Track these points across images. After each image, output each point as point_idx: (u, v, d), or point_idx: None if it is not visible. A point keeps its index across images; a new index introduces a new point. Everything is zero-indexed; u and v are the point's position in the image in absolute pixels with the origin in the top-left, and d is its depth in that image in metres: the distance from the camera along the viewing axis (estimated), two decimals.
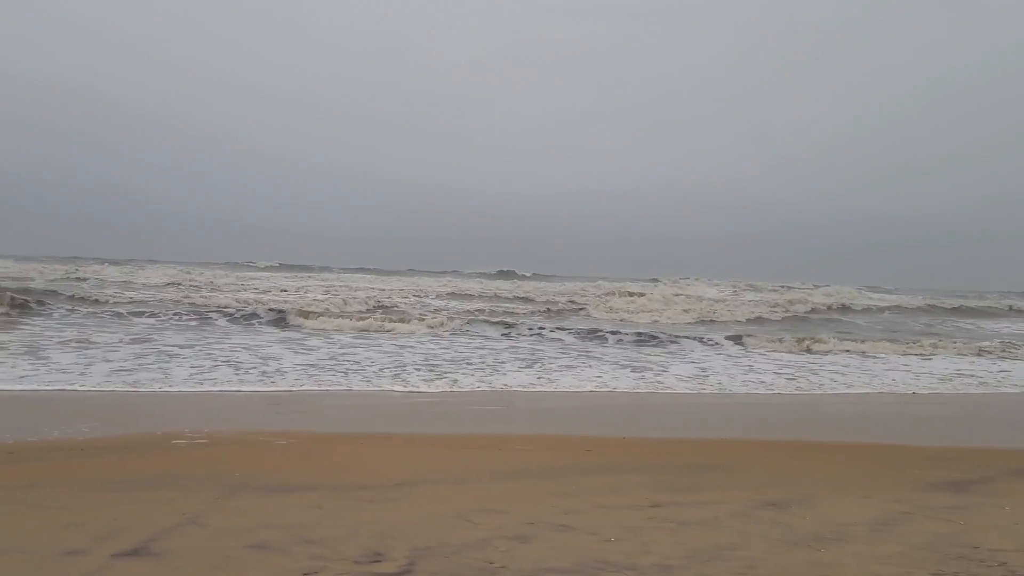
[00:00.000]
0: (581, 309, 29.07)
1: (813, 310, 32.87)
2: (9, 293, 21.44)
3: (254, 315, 21.22)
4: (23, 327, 17.10)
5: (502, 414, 10.74)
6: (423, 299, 31.09)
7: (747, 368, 15.65)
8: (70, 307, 21.40)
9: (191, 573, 3.92)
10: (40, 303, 21.32)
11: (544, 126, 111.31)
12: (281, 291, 30.80)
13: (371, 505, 5.40)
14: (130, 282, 31.76)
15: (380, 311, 24.68)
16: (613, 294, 34.66)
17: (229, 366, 12.92)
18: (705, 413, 11.46)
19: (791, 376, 14.71)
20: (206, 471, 6.34)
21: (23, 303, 20.93)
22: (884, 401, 12.84)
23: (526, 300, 32.37)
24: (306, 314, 21.23)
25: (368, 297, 28.61)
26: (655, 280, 46.87)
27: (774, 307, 31.98)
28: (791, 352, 18.69)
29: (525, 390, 12.29)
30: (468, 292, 35.49)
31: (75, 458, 6.90)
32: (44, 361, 12.51)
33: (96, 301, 23.37)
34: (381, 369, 13.49)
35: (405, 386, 12.04)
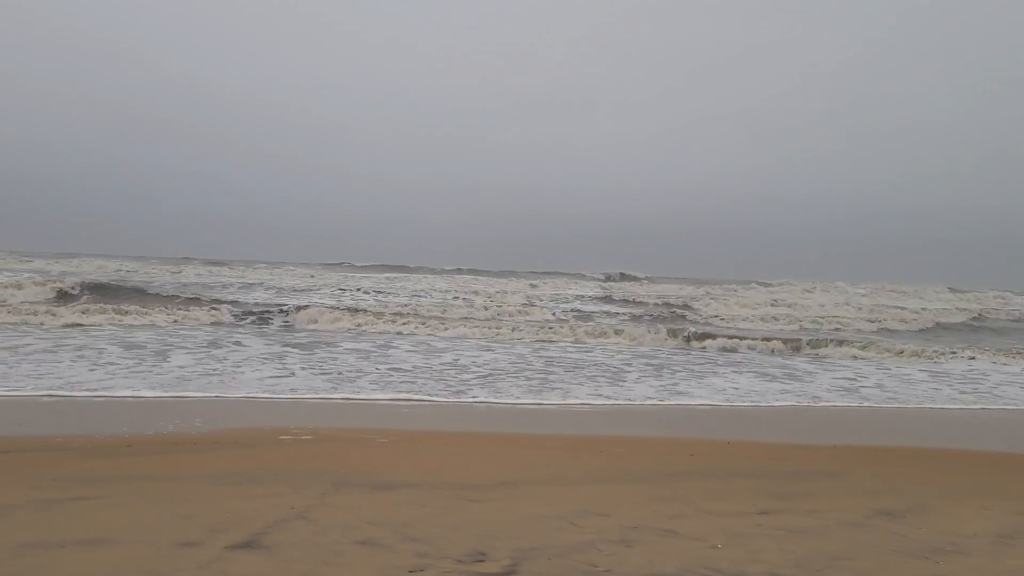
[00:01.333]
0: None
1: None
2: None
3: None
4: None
5: (603, 416, 10.64)
6: (569, 304, 30.47)
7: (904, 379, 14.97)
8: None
9: (300, 567, 3.98)
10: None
11: (647, 128, 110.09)
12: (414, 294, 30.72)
13: (473, 504, 5.41)
14: (283, 287, 31.98)
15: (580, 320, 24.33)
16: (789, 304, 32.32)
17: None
18: (817, 419, 11.12)
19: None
20: (312, 467, 6.46)
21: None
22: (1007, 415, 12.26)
23: (686, 307, 30.62)
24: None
25: (523, 303, 28.11)
26: (786, 282, 45.00)
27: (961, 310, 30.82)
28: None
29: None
30: (610, 296, 34.56)
31: (189, 452, 7.14)
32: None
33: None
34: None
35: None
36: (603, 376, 13.69)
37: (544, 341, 19.22)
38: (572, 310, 27.89)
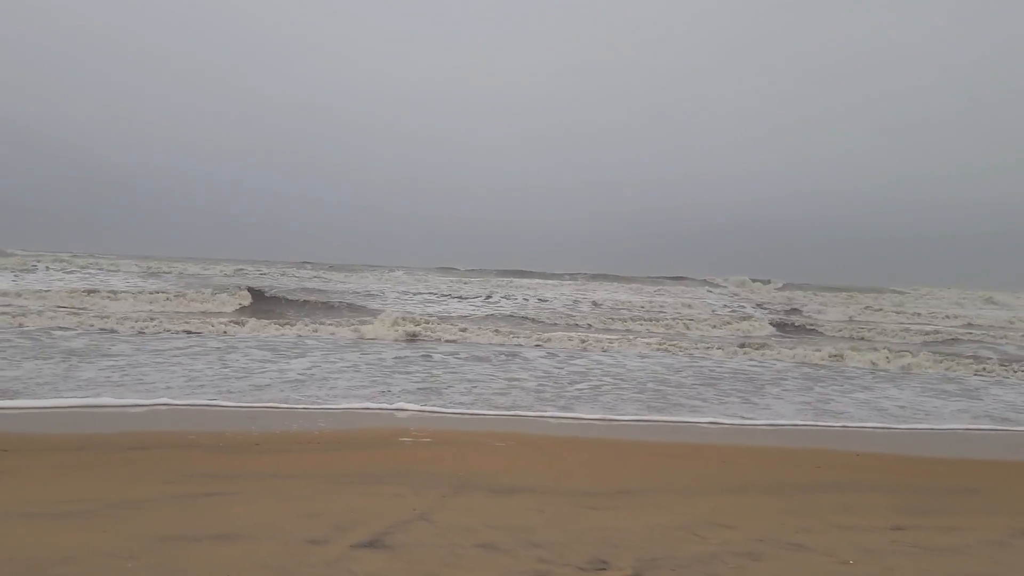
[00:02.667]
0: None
1: None
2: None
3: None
4: None
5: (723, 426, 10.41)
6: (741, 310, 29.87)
7: None
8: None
9: (423, 568, 4.01)
10: None
11: (761, 126, 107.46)
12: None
13: (594, 512, 5.34)
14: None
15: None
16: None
17: None
18: (957, 433, 10.56)
19: None
20: (432, 469, 6.52)
21: None
22: None
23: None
24: None
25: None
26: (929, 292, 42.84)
27: None
28: None
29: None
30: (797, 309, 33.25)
31: (313, 451, 7.31)
32: None
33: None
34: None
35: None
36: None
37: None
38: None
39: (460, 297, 30.82)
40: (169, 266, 37.62)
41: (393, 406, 9.88)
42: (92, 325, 16.96)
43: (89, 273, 31.91)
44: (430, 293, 31.61)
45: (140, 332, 16.54)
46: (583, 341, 18.23)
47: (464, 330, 19.20)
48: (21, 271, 31.13)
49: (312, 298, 26.69)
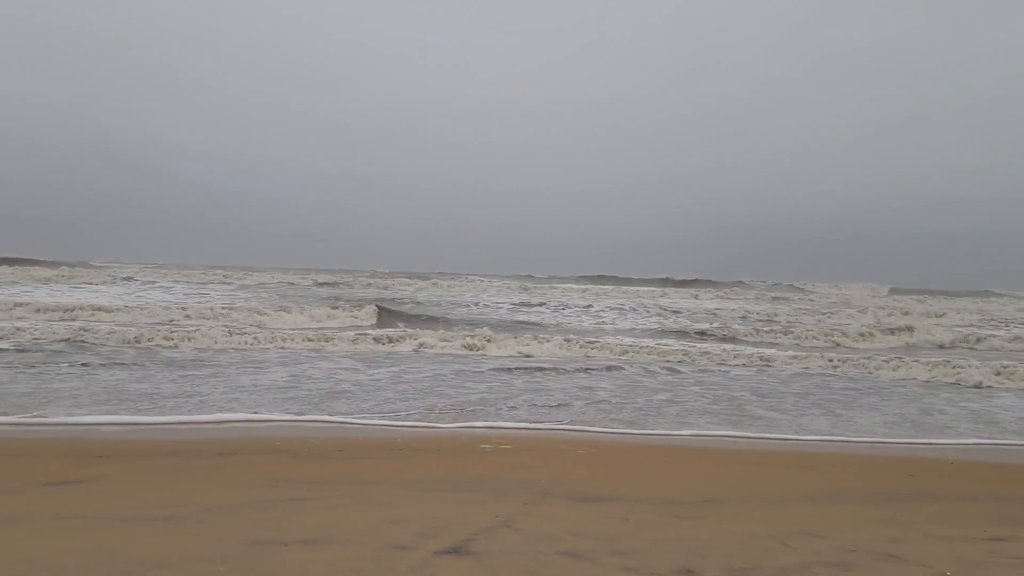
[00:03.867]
0: None
1: None
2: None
3: None
4: None
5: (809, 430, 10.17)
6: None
7: None
8: None
9: (507, 575, 4.00)
10: None
11: (853, 134, 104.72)
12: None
13: (679, 520, 5.26)
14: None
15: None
16: None
17: None
18: None
19: None
20: (513, 476, 6.51)
21: None
22: None
23: None
24: None
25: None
26: None
27: None
28: None
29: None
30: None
31: (395, 457, 7.38)
32: None
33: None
34: None
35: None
36: None
37: None
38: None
39: (587, 306, 30.59)
40: (257, 276, 38.56)
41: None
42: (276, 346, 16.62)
43: (196, 286, 32.86)
44: (562, 305, 31.29)
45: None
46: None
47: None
48: (122, 280, 32.31)
49: (429, 312, 26.42)
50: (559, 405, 10.91)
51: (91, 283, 33.29)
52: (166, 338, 16.59)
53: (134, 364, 13.30)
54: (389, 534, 4.60)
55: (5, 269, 37.52)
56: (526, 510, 5.33)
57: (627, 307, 31.18)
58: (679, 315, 28.86)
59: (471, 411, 10.20)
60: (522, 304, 31.06)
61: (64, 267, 39.78)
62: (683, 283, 48.36)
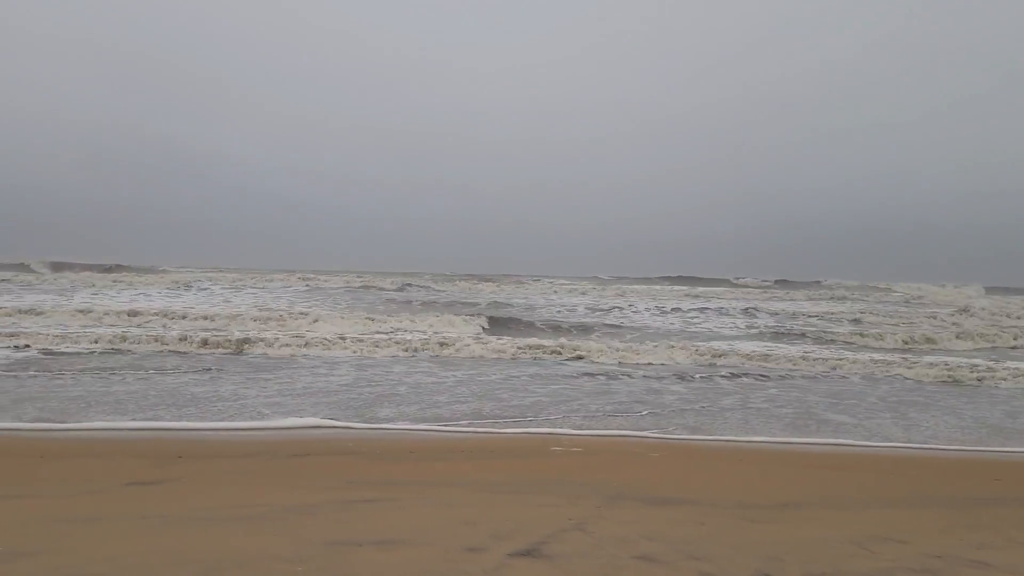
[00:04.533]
0: None
1: None
2: None
3: None
4: None
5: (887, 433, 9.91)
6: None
7: None
8: None
9: None
10: None
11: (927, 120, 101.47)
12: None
13: (755, 525, 5.16)
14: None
15: None
16: None
17: None
18: None
19: None
20: (585, 478, 6.47)
21: None
22: None
23: None
24: None
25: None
26: None
27: None
28: None
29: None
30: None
31: (466, 459, 7.39)
32: None
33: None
34: None
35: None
36: None
37: None
38: None
39: (677, 310, 29.44)
40: (323, 279, 38.92)
41: None
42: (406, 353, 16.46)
43: (276, 291, 32.98)
44: (655, 307, 30.21)
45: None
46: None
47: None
48: (188, 287, 32.86)
49: (525, 316, 25.72)
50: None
51: (190, 288, 33.61)
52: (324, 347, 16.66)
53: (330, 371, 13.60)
54: (462, 536, 4.60)
55: (105, 275, 38.57)
56: (599, 513, 5.28)
57: (712, 308, 30.26)
58: (776, 317, 27.95)
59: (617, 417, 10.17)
60: (613, 307, 30.24)
61: (148, 274, 40.86)
62: (762, 284, 47.30)
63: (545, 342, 18.11)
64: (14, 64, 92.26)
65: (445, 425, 9.25)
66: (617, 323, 25.43)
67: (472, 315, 24.05)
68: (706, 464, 7.47)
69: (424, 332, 20.21)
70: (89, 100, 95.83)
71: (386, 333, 19.57)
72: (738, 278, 48.69)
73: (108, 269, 42.24)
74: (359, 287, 36.30)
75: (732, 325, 25.73)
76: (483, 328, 22.15)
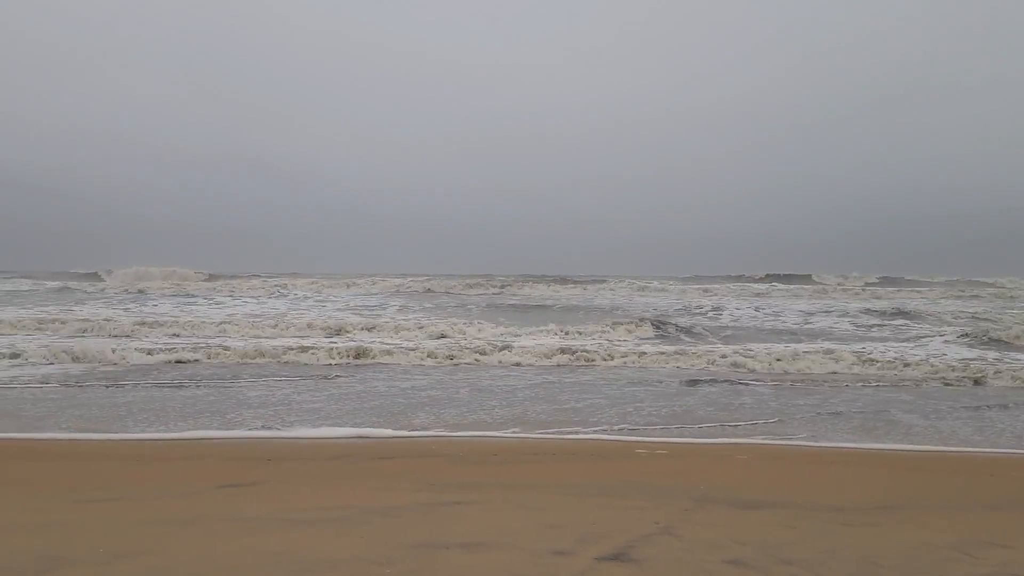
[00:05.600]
0: None
1: None
2: None
3: None
4: None
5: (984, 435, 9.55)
6: None
7: None
8: None
9: None
10: None
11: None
12: None
13: (849, 528, 5.01)
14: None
15: None
16: None
17: None
18: None
19: None
20: (670, 481, 6.38)
21: None
22: None
23: None
24: None
25: None
26: None
27: None
28: None
29: None
30: None
31: (549, 462, 7.37)
32: None
33: None
34: None
35: None
36: None
37: None
38: None
39: (829, 312, 27.79)
40: (421, 283, 39.30)
41: None
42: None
43: (385, 297, 33.38)
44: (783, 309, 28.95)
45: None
46: None
47: None
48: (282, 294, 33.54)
49: (679, 321, 24.46)
50: None
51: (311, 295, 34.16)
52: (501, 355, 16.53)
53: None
54: (548, 539, 4.58)
55: (211, 282, 39.68)
56: (686, 516, 5.20)
57: (854, 309, 28.72)
58: (936, 318, 26.12)
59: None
60: (729, 308, 29.48)
61: (254, 278, 41.95)
62: (890, 280, 45.58)
63: (719, 348, 17.45)
64: (117, 85, 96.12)
65: (526, 429, 9.26)
66: (762, 326, 24.49)
67: (629, 321, 22.87)
68: (794, 467, 7.31)
69: (596, 340, 19.77)
70: (190, 123, 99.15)
71: (567, 343, 18.49)
72: (844, 275, 47.15)
73: (208, 278, 43.44)
74: (454, 292, 36.43)
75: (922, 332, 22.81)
76: (649, 336, 21.31)
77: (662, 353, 16.75)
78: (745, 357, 16.10)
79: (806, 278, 47.53)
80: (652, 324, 22.67)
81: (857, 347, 18.04)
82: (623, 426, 9.36)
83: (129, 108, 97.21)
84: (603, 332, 21.35)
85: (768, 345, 18.72)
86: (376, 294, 36.58)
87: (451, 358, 16.14)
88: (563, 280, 45.58)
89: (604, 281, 44.35)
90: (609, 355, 16.59)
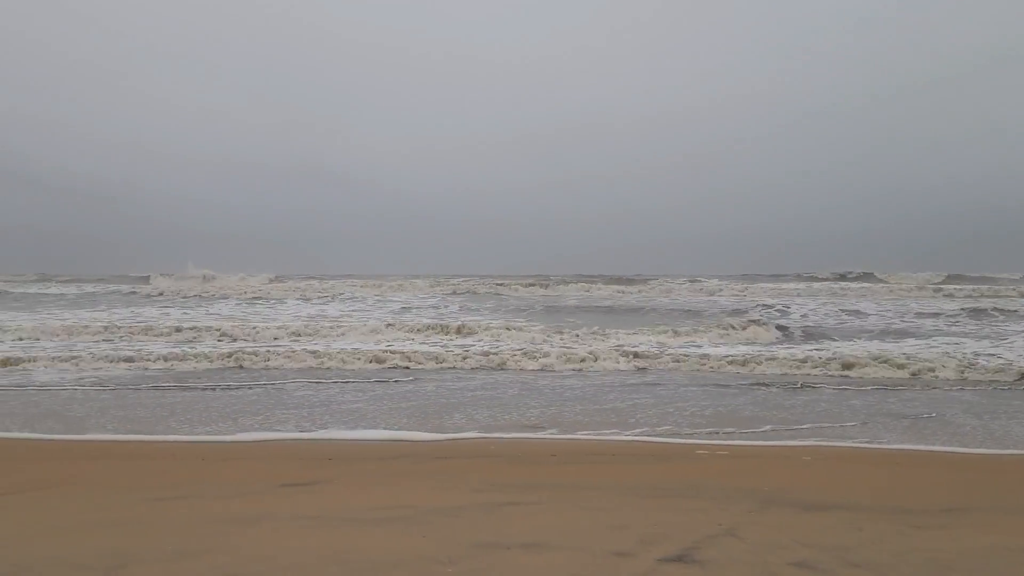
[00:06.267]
0: None
1: None
2: None
3: None
4: None
5: None
6: None
7: None
8: None
9: None
10: None
11: None
12: None
13: (919, 531, 4.88)
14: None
15: None
16: None
17: None
18: None
19: None
20: (733, 483, 6.29)
21: None
22: None
23: None
24: None
25: None
26: None
27: None
28: None
29: None
30: None
31: (609, 463, 7.32)
32: None
33: None
34: None
35: None
36: None
37: None
38: None
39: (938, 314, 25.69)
40: (475, 283, 39.39)
41: None
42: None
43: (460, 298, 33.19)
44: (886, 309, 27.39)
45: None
46: None
47: None
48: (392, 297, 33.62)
49: (793, 322, 23.38)
50: None
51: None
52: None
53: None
54: (610, 540, 4.54)
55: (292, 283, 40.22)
56: (750, 518, 5.11)
57: (927, 310, 26.91)
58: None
59: None
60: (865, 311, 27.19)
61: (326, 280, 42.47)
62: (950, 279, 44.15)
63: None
64: (185, 95, 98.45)
65: (583, 431, 9.22)
66: (866, 326, 23.10)
67: (757, 321, 21.78)
68: (860, 469, 7.15)
69: (722, 342, 18.81)
70: (239, 115, 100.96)
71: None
72: (909, 274, 45.95)
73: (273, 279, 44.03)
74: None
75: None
76: (776, 337, 20.00)
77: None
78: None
79: (868, 276, 46.56)
80: (771, 326, 21.15)
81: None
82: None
83: (185, 122, 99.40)
84: (724, 333, 20.15)
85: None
86: (437, 295, 36.57)
87: (643, 367, 15.18)
88: (617, 279, 45.07)
89: (654, 279, 43.81)
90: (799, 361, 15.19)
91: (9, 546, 4.49)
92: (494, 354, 16.04)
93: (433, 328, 20.91)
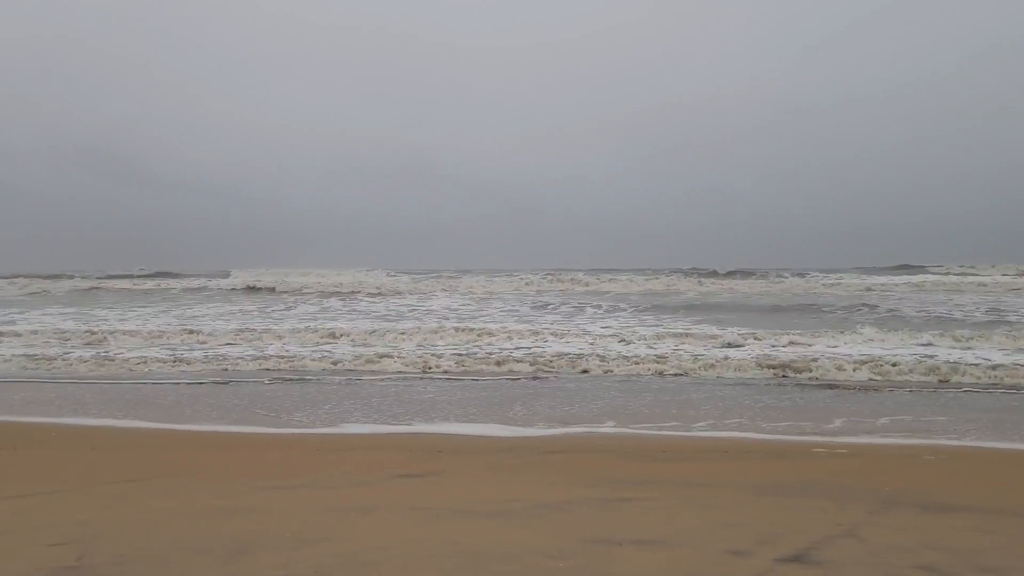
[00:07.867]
0: None
1: None
2: None
3: None
4: None
5: None
6: None
7: None
8: None
9: None
10: None
11: None
12: None
13: None
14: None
15: None
16: None
17: None
18: None
19: None
20: (852, 482, 6.08)
21: None
22: None
23: None
24: None
25: None
26: None
27: None
28: None
29: None
30: None
31: (721, 460, 7.19)
32: None
33: None
34: None
35: None
36: None
37: None
38: None
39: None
40: (564, 279, 38.85)
41: None
42: None
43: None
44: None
45: None
46: None
47: None
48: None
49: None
50: None
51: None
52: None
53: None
54: (724, 538, 4.45)
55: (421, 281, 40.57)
56: (871, 519, 4.93)
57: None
58: None
59: None
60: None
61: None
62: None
63: None
64: (281, 83, 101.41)
65: (692, 426, 9.08)
66: None
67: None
68: (988, 469, 6.82)
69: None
70: (350, 115, 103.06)
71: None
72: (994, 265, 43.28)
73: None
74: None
75: None
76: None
77: None
78: None
79: (920, 269, 43.65)
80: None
81: None
82: None
83: (303, 111, 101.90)
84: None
85: None
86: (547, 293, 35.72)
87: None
88: (714, 273, 43.43)
89: (770, 272, 42.42)
90: None
91: (136, 530, 4.70)
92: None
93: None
